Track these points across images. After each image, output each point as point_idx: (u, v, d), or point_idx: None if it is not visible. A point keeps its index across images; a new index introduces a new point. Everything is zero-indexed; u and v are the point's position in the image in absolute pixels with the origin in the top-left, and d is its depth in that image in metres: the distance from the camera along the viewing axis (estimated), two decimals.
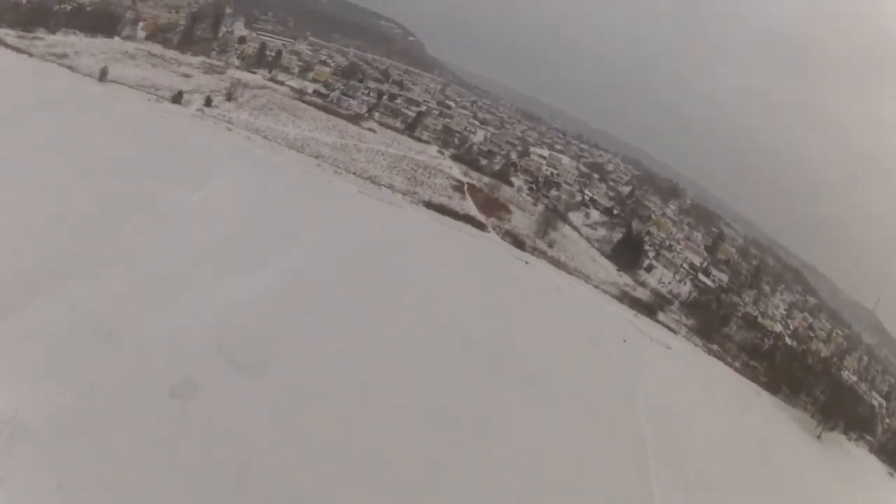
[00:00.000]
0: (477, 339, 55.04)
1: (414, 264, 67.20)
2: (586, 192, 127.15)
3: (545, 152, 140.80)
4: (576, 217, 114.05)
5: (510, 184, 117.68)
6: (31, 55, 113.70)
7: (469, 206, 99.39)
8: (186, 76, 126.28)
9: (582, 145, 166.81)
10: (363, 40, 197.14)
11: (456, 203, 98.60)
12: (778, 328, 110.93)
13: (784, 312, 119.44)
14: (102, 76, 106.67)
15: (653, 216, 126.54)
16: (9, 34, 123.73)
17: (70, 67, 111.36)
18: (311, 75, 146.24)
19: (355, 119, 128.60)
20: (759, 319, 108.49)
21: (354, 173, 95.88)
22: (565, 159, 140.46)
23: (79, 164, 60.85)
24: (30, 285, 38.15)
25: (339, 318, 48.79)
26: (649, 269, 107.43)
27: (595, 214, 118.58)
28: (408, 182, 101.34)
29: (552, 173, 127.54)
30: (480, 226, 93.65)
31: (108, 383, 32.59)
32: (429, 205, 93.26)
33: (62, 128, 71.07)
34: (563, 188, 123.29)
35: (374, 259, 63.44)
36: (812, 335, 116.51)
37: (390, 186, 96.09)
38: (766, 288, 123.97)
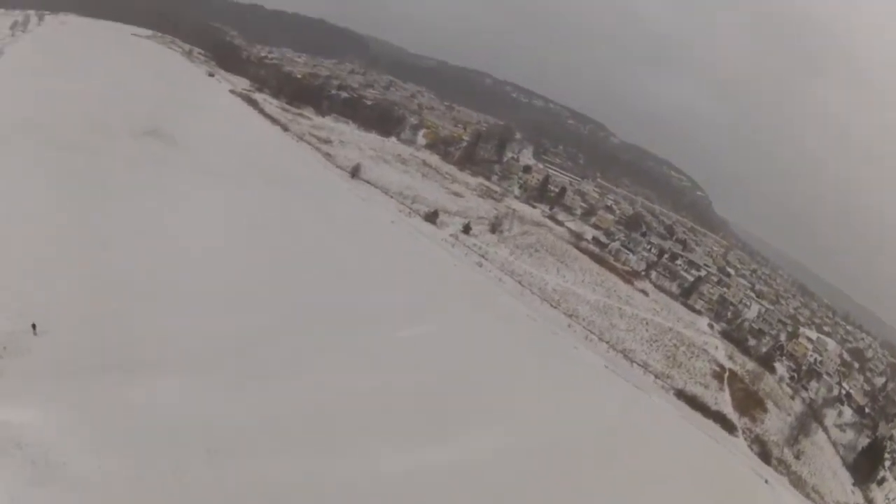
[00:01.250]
0: None
1: (633, 473, 54.92)
2: (844, 385, 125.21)
3: (813, 335, 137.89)
4: (829, 416, 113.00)
5: (773, 370, 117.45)
6: (285, 129, 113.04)
7: (724, 401, 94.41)
8: (457, 195, 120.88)
9: (848, 327, 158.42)
10: (652, 189, 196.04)
11: (711, 395, 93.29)
12: None
13: None
14: (354, 173, 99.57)
15: None
16: (270, 101, 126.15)
17: (327, 154, 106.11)
18: (592, 220, 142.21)
19: (629, 276, 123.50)
20: None
21: (608, 342, 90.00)
22: (831, 344, 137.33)
23: (281, 256, 61.09)
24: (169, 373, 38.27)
25: None
26: (881, 482, 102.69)
27: (847, 413, 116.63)
28: (665, 361, 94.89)
29: (816, 360, 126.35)
30: (730, 427, 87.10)
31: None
32: (680, 394, 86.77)
33: (283, 210, 72.52)
34: (822, 379, 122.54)
35: (589, 458, 53.06)
36: None
37: (644, 365, 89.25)
38: None
